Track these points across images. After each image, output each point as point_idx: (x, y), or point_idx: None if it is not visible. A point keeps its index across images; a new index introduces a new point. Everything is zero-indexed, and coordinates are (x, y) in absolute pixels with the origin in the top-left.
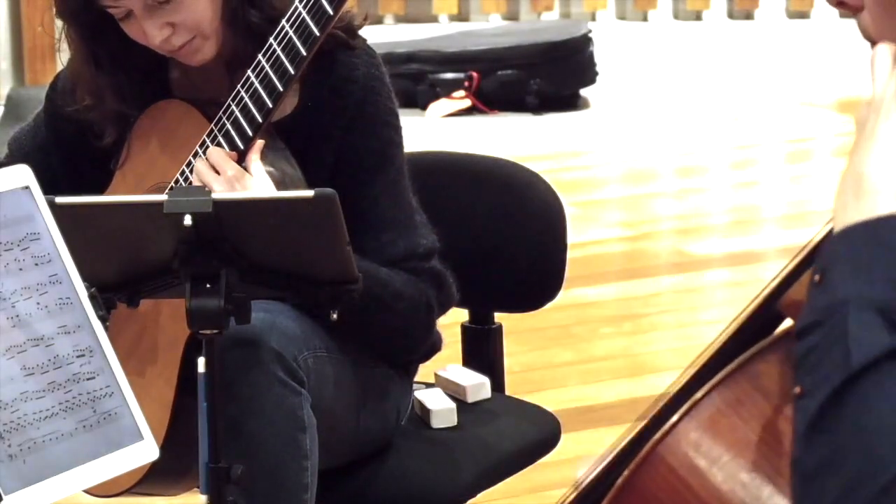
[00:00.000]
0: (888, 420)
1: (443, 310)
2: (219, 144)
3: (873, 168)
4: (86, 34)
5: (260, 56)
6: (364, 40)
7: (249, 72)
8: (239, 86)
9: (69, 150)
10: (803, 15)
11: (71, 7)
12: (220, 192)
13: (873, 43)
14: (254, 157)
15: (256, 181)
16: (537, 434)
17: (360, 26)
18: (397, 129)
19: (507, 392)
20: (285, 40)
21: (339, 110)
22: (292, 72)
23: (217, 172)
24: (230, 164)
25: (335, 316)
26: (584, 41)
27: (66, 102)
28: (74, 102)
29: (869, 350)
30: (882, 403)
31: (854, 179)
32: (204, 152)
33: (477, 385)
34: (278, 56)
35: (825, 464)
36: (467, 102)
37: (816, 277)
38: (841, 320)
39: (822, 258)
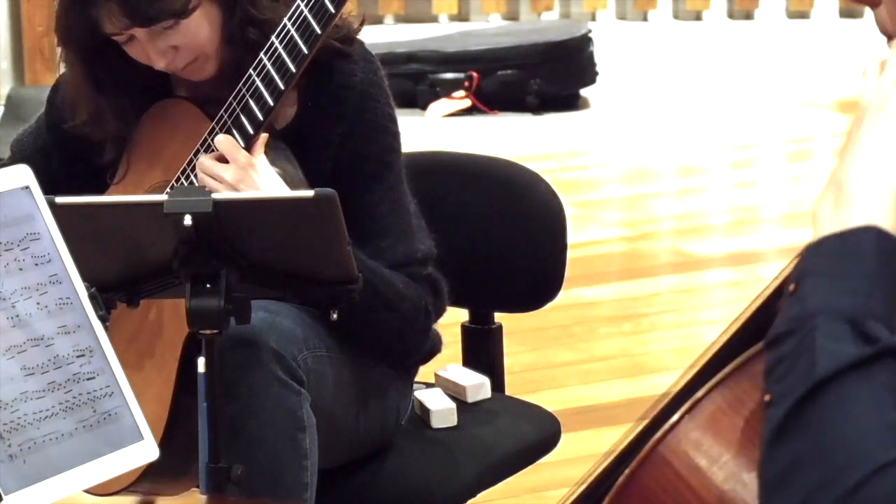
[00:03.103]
0: (849, 431)
1: (437, 317)
2: None
3: (853, 177)
4: (87, 58)
5: (262, 55)
6: (361, 43)
7: (251, 70)
8: (241, 84)
9: (70, 152)
10: (803, 15)
11: (75, 36)
12: (232, 180)
13: (889, 37)
14: (258, 153)
15: (264, 173)
16: (537, 434)
17: (358, 31)
18: (395, 136)
19: (507, 392)
20: (287, 38)
21: (337, 117)
22: (294, 70)
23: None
24: (242, 152)
25: (335, 316)
26: (584, 41)
27: (64, 118)
28: (73, 118)
29: (834, 360)
30: (843, 414)
31: (834, 188)
32: (206, 151)
33: (477, 385)
34: (280, 55)
35: (787, 472)
36: (467, 102)
37: (791, 287)
38: (810, 331)
39: (798, 268)
